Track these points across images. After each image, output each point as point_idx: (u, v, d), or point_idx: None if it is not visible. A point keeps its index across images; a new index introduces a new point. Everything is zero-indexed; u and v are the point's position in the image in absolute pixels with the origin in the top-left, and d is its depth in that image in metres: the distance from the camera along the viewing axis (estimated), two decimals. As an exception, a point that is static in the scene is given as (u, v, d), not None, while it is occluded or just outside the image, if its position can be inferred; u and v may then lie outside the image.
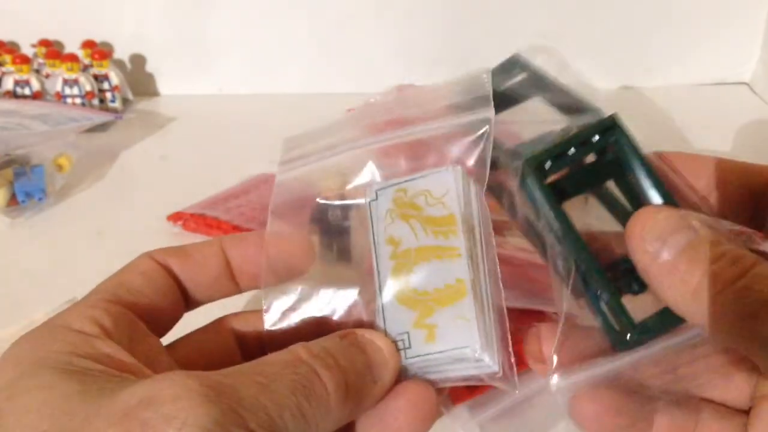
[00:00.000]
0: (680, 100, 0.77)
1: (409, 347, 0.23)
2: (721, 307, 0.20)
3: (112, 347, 0.21)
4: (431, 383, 0.23)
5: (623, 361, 0.24)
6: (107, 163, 0.68)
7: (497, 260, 0.24)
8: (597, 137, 0.24)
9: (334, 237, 0.50)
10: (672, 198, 0.24)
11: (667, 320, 0.23)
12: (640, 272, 0.23)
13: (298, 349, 0.22)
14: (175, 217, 0.55)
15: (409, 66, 0.78)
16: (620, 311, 0.23)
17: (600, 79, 0.81)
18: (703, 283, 0.21)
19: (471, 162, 0.25)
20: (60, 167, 0.62)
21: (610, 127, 0.24)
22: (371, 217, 0.25)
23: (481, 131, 0.24)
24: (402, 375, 0.23)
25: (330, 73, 0.81)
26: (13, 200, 0.58)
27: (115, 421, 0.18)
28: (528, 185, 0.24)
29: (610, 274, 0.24)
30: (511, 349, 0.23)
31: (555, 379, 0.24)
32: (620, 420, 0.24)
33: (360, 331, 0.23)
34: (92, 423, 0.18)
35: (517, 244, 0.47)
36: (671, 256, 0.22)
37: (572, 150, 0.24)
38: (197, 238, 0.55)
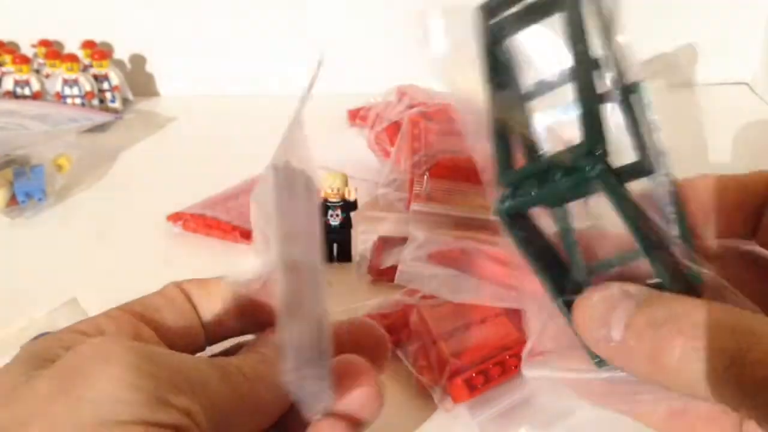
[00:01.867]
0: (680, 100, 0.77)
1: None
2: (682, 370, 0.20)
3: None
4: None
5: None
6: (107, 163, 0.68)
7: None
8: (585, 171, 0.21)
9: (334, 237, 0.50)
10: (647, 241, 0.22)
11: None
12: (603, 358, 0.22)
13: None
14: (175, 218, 0.55)
15: (409, 66, 0.78)
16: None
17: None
18: (655, 351, 0.20)
19: None
20: (60, 167, 0.62)
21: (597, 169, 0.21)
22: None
23: None
24: None
25: (330, 73, 0.81)
26: (13, 200, 0.58)
27: (52, 375, 0.20)
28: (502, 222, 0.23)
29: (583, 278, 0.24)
30: None
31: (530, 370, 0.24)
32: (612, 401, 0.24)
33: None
34: (34, 381, 0.20)
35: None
36: (620, 336, 0.21)
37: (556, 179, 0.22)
38: (197, 238, 0.55)
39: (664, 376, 0.20)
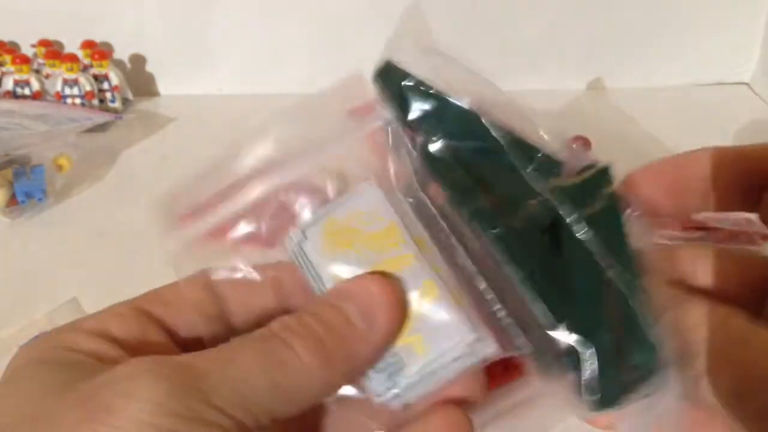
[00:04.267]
0: (680, 100, 0.78)
1: (405, 366, 0.22)
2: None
3: (109, 346, 0.22)
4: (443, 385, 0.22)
5: None
6: (107, 163, 0.68)
7: (456, 243, 0.23)
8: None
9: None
10: None
11: None
12: None
13: (273, 323, 0.21)
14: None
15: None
16: None
17: (598, 79, 0.81)
18: None
19: (391, 171, 0.24)
20: (60, 167, 0.62)
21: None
22: (309, 260, 0.23)
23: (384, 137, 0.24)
24: (408, 393, 0.22)
25: (330, 73, 0.81)
26: (13, 200, 0.58)
27: (77, 403, 0.19)
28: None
29: None
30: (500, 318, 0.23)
31: None
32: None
33: (355, 281, 0.22)
34: (58, 406, 0.19)
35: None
36: None
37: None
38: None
39: None
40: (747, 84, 0.81)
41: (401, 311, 0.22)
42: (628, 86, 0.80)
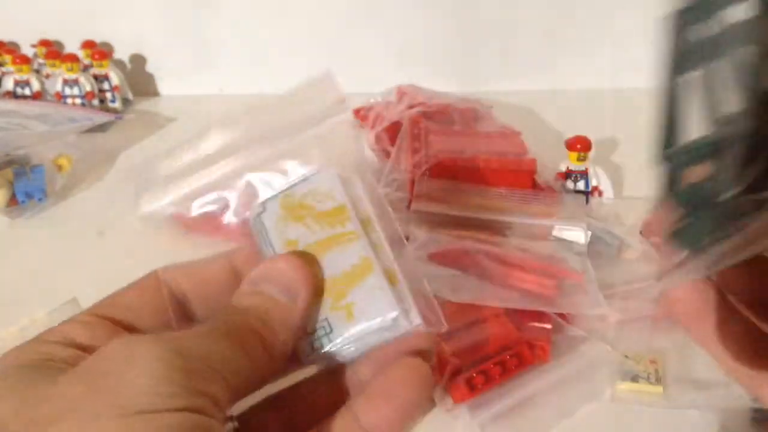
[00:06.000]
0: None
1: (331, 331, 0.24)
2: None
3: (81, 355, 0.22)
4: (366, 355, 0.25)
5: None
6: (107, 163, 0.68)
7: (401, 233, 0.26)
8: None
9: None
10: None
11: None
12: None
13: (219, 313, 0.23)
14: (177, 217, 0.55)
15: (409, 66, 0.78)
16: None
17: (598, 79, 0.81)
18: None
19: (351, 161, 0.27)
20: (60, 167, 0.62)
21: None
22: (265, 228, 0.26)
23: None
24: (333, 359, 0.24)
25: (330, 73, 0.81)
26: (13, 200, 0.58)
27: (74, 381, 0.20)
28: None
29: None
30: (432, 298, 0.26)
31: None
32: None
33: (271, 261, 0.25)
34: (53, 390, 0.20)
35: (519, 245, 0.47)
36: None
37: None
38: (199, 237, 0.55)
39: None
40: (747, 84, 0.81)
41: (313, 282, 0.24)
42: (627, 86, 0.80)
